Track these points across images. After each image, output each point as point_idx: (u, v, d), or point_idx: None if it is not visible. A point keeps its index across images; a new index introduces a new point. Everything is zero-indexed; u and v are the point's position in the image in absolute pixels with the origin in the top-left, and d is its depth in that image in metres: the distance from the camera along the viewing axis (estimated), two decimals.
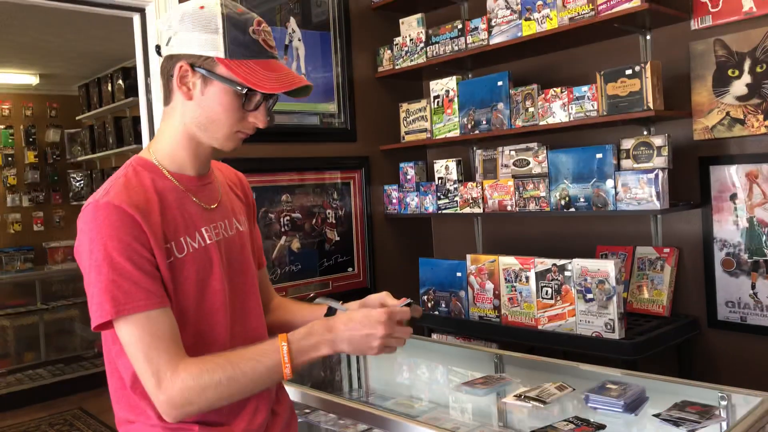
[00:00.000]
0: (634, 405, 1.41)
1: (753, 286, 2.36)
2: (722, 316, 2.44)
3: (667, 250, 2.54)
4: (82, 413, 4.84)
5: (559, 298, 2.35)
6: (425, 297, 2.82)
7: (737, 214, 2.38)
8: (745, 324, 2.38)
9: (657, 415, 1.37)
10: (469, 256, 2.65)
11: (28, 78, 5.94)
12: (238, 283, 1.29)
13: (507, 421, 1.69)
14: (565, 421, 1.38)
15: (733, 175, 2.39)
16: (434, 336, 2.85)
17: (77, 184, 6.27)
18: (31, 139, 6.36)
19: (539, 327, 2.41)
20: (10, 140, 6.24)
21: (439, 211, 2.96)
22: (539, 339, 2.42)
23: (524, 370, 2.04)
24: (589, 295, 2.26)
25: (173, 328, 1.13)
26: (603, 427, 1.33)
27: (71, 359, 5.53)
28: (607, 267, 2.21)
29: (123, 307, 1.09)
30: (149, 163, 1.23)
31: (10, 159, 6.25)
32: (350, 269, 3.09)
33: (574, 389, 1.60)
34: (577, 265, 2.29)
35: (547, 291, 2.39)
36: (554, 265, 2.36)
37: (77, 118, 6.13)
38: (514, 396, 1.59)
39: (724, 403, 1.41)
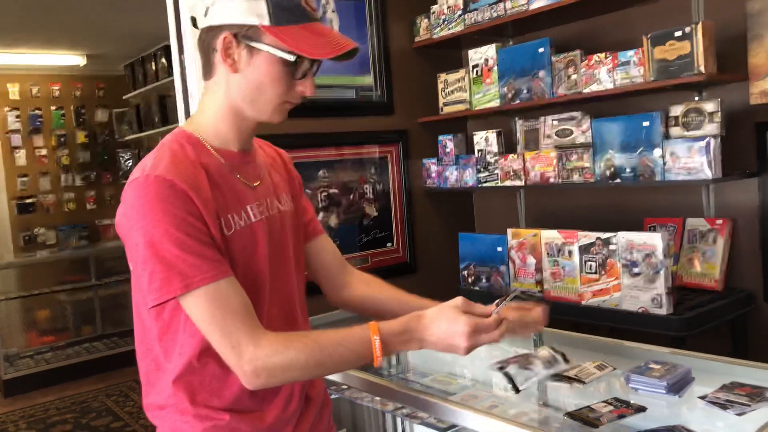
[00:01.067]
0: (678, 386, 1.34)
1: None
2: None
3: (720, 221, 2.41)
4: (136, 385, 5.00)
5: (603, 272, 2.27)
6: (465, 272, 2.77)
7: None
8: None
9: (703, 397, 1.30)
10: (510, 231, 2.58)
11: (76, 59, 6.07)
12: (278, 263, 1.26)
13: (546, 399, 1.63)
14: (603, 402, 1.32)
15: None
16: None
17: (126, 163, 6.41)
18: (81, 120, 6.52)
19: (583, 302, 2.33)
20: (61, 121, 6.41)
21: (480, 185, 2.89)
22: (583, 314, 2.35)
23: (565, 348, 1.98)
24: (636, 269, 2.17)
25: (244, 297, 1.11)
26: (643, 409, 1.27)
27: (125, 333, 5.72)
28: (655, 240, 2.11)
29: (191, 281, 1.06)
30: (194, 138, 1.19)
31: (62, 140, 6.42)
32: (389, 244, 3.05)
33: (615, 368, 1.53)
34: (622, 238, 2.20)
35: (591, 265, 2.31)
36: (599, 238, 2.27)
37: (124, 97, 6.24)
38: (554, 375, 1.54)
39: None
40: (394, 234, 3.07)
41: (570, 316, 2.40)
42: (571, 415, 1.27)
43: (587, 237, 2.30)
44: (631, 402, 1.32)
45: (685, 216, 2.52)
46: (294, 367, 1.09)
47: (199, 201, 1.09)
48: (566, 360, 1.37)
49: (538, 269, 2.48)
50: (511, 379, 1.25)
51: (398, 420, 1.92)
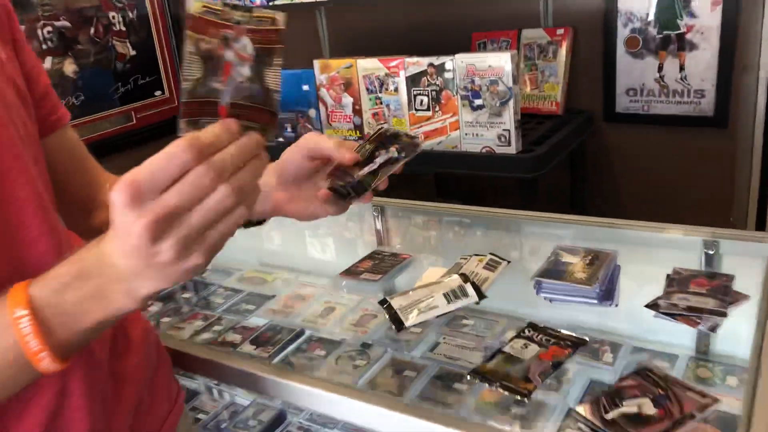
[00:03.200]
0: (610, 287, 0.93)
1: (660, 68, 1.95)
2: (622, 108, 2.05)
3: (561, 30, 2.03)
4: None
5: (438, 108, 1.81)
6: None
7: None
8: (647, 114, 2.01)
9: (653, 307, 0.86)
10: (317, 62, 1.99)
11: None
12: None
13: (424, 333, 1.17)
14: (520, 337, 0.84)
15: None
16: None
17: None
18: None
19: None
20: None
21: (269, 2, 2.20)
22: (415, 161, 1.90)
23: (417, 232, 1.52)
24: (478, 101, 1.73)
25: None
26: (583, 342, 0.83)
27: None
28: (501, 61, 1.67)
29: None
30: None
31: None
32: (158, 93, 2.31)
33: (508, 261, 1.07)
34: (461, 62, 1.72)
35: (422, 100, 1.83)
36: (431, 65, 1.78)
37: None
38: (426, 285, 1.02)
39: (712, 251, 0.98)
40: (164, 78, 2.32)
41: None
42: (482, 376, 0.80)
43: (417, 64, 1.80)
44: (561, 332, 0.86)
45: (519, 27, 2.11)
46: None
47: None
48: (412, 141, 0.76)
49: (357, 110, 1.96)
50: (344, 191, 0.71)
51: None
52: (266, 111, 0.57)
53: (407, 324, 0.84)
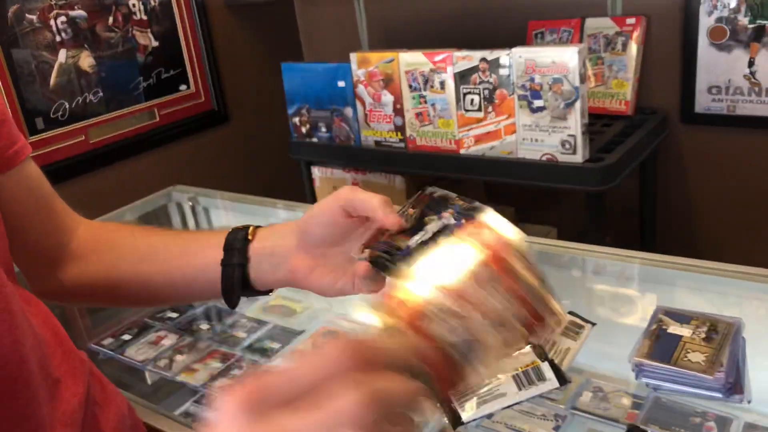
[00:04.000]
0: (737, 379, 0.68)
1: (751, 63, 1.68)
2: (702, 107, 1.79)
3: (631, 20, 1.78)
4: None
5: (491, 109, 1.58)
6: (296, 119, 1.97)
7: None
8: (733, 116, 1.75)
9: None
10: (354, 56, 1.77)
11: None
12: None
13: None
14: None
15: None
16: (315, 170, 2.06)
17: None
18: None
19: (461, 151, 1.67)
20: None
21: None
22: (463, 168, 1.69)
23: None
24: (538, 102, 1.50)
25: None
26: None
27: None
28: (566, 56, 1.43)
29: None
30: None
31: None
32: (184, 87, 2.14)
33: (593, 324, 0.83)
34: (518, 57, 1.49)
35: (472, 100, 1.60)
36: (483, 60, 1.55)
37: None
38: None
39: None
40: (189, 72, 2.15)
41: (444, 171, 1.73)
42: None
43: (467, 59, 1.57)
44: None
45: (583, 16, 1.86)
46: None
47: None
48: (470, 205, 0.54)
49: (398, 110, 1.74)
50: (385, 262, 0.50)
51: None
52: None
53: (465, 419, 0.63)
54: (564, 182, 1.53)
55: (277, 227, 0.64)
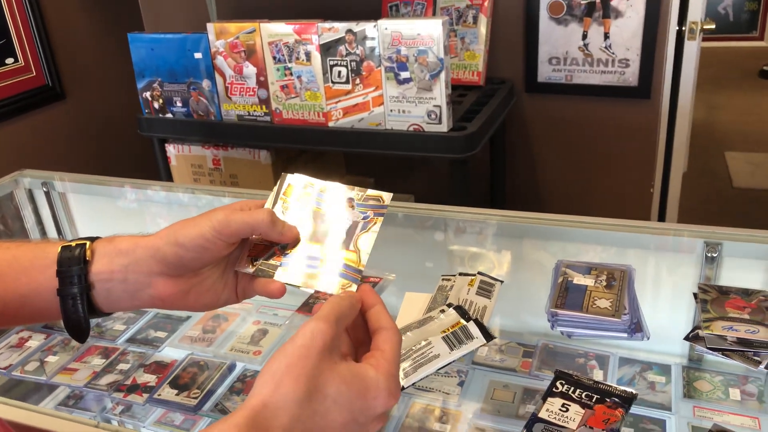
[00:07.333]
0: (639, 320, 0.77)
1: (584, 36, 1.85)
2: (544, 77, 1.94)
3: None
4: None
5: (358, 81, 1.60)
6: (147, 94, 1.85)
7: None
8: (570, 84, 1.92)
9: (695, 340, 0.70)
10: (211, 26, 1.69)
11: None
12: None
13: None
14: (553, 395, 0.67)
15: None
16: (170, 148, 1.95)
17: None
18: None
19: (330, 124, 1.67)
20: None
21: None
22: (332, 141, 1.69)
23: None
24: (404, 74, 1.54)
25: None
26: (633, 398, 0.64)
27: None
28: (431, 28, 1.48)
29: None
30: None
31: None
32: (11, 60, 1.91)
33: (502, 282, 0.89)
34: (385, 29, 1.52)
35: (339, 72, 1.61)
36: (349, 31, 1.56)
37: None
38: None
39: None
40: (16, 42, 1.92)
41: (312, 145, 1.73)
42: None
43: (333, 30, 1.57)
44: (600, 384, 0.68)
45: None
46: None
47: None
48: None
49: (262, 82, 1.70)
50: None
51: None
52: None
53: (405, 384, 0.65)
54: (431, 151, 1.60)
55: (123, 244, 0.54)
